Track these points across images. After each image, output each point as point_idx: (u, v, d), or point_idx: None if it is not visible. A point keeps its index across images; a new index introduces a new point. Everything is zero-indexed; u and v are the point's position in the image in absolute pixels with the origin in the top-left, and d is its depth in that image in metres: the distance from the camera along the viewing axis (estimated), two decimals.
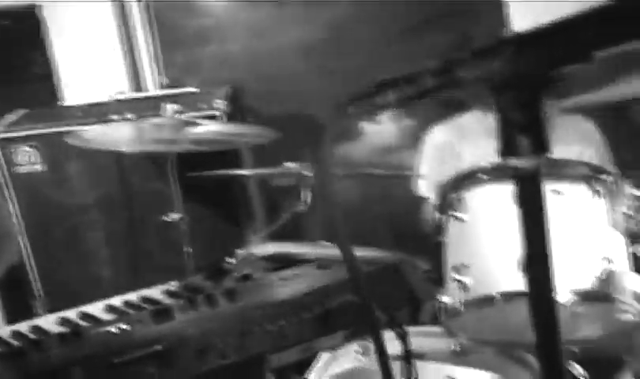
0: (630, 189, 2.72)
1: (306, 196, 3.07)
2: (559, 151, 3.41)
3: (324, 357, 2.87)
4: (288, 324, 1.96)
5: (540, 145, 0.95)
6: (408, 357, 2.29)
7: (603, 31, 0.83)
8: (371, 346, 2.72)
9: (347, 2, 4.52)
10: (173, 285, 2.38)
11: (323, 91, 4.22)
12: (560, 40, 0.85)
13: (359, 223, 4.22)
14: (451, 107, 3.62)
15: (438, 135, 3.76)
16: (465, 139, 3.65)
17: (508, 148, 0.95)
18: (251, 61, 4.47)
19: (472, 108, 3.71)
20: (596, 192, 2.61)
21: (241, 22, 4.54)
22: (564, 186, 2.61)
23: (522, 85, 0.89)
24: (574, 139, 3.60)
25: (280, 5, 4.52)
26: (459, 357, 2.77)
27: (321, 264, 2.30)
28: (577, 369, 2.93)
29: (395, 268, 2.25)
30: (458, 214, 2.68)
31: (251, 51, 4.48)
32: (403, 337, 2.23)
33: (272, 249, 3.10)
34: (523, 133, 0.93)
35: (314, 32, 4.50)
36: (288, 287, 2.10)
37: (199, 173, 3.38)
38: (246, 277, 2.29)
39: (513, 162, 0.99)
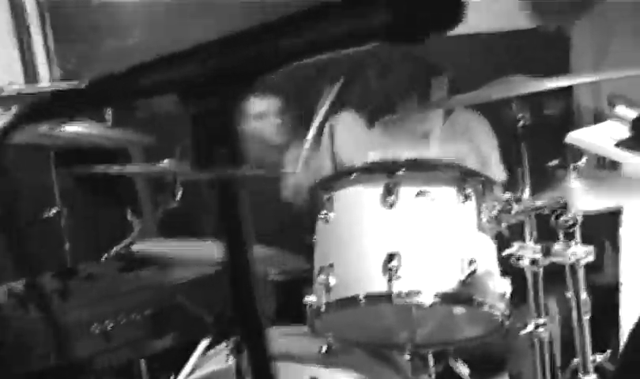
0: (499, 193, 2.72)
1: (178, 193, 3.03)
2: (454, 147, 3.47)
3: (193, 358, 2.83)
4: (116, 326, 1.92)
5: (234, 156, 0.85)
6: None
7: (296, 37, 0.83)
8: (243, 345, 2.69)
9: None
10: (18, 284, 2.32)
11: None
12: (253, 47, 0.83)
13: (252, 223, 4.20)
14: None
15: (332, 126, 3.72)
16: (344, 129, 3.64)
17: (201, 159, 0.85)
18: (149, 56, 4.38)
19: (354, 110, 3.70)
20: (466, 195, 2.61)
21: (140, 16, 4.48)
22: (434, 188, 2.60)
23: (213, 93, 0.84)
24: (468, 134, 3.61)
25: None
26: (326, 358, 2.74)
27: (162, 265, 2.26)
28: (461, 367, 2.94)
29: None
30: (326, 213, 2.66)
31: (149, 46, 4.42)
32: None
33: (140, 247, 3.07)
34: (216, 144, 0.84)
35: (213, 28, 4.45)
36: (124, 287, 2.05)
37: (82, 167, 3.32)
38: (89, 277, 2.24)
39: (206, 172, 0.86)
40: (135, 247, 3.04)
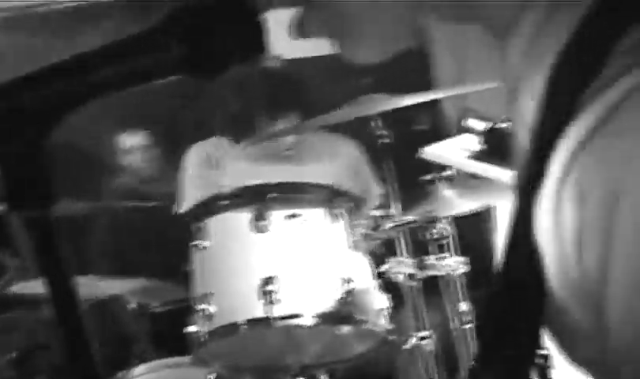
0: (368, 211, 2.76)
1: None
2: (318, 168, 3.49)
3: None
4: None
5: (47, 196, 0.82)
6: None
7: (101, 72, 0.83)
8: None
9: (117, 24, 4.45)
10: None
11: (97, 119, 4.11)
12: (57, 83, 0.83)
13: (122, 253, 4.17)
14: (205, 131, 3.60)
15: (197, 152, 3.65)
16: (223, 157, 3.61)
17: (13, 200, 0.82)
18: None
19: (218, 134, 3.68)
20: (335, 215, 2.64)
21: (13, 48, 4.39)
22: (304, 210, 2.62)
23: (19, 132, 0.81)
24: (339, 154, 3.62)
25: (55, 31, 4.39)
26: None
27: (30, 305, 2.22)
28: None
29: (102, 305, 2.19)
30: (199, 242, 2.65)
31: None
32: None
33: (19, 287, 3.01)
34: (29, 184, 0.82)
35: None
36: None
37: None
38: None
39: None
40: (14, 288, 2.98)
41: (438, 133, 4.35)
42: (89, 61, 0.83)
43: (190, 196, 3.46)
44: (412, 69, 4.37)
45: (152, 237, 3.57)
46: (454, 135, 4.20)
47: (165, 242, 3.52)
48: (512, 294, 0.74)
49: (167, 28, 0.83)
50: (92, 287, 3.26)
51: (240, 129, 3.49)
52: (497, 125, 2.28)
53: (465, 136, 2.40)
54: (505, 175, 2.25)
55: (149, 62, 0.83)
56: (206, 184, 3.48)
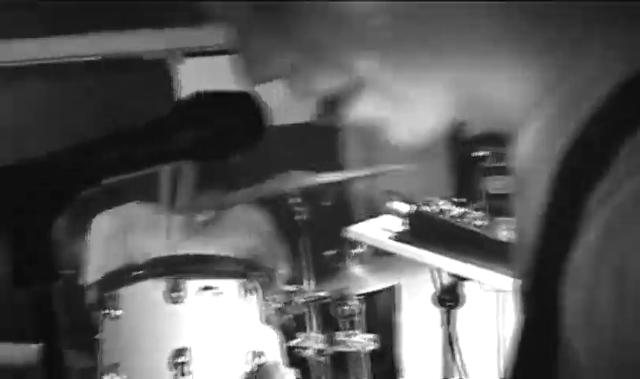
0: (282, 285, 2.80)
1: None
2: (237, 237, 3.50)
3: None
4: None
5: (50, 273, 0.86)
6: None
7: (107, 160, 0.86)
8: None
9: (31, 89, 4.43)
10: None
11: None
12: (67, 167, 0.86)
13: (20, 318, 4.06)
14: (115, 197, 3.57)
15: (104, 224, 3.64)
16: (132, 229, 3.58)
17: (18, 276, 0.85)
18: None
19: (135, 199, 3.66)
20: (248, 289, 2.66)
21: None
22: (218, 282, 2.64)
23: (28, 212, 0.84)
24: (245, 230, 3.64)
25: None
26: None
27: None
28: None
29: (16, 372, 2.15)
30: (111, 311, 2.63)
31: None
32: None
33: None
34: (33, 262, 0.85)
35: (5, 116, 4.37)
36: None
37: None
38: None
39: None
40: None
41: (344, 209, 4.44)
42: (99, 146, 0.86)
43: (97, 265, 3.42)
44: (325, 146, 4.47)
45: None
46: (362, 211, 4.31)
47: (69, 309, 3.46)
48: None
49: (175, 118, 0.87)
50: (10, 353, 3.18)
51: (165, 196, 3.48)
52: (420, 208, 2.35)
53: (387, 217, 2.47)
54: (426, 257, 2.32)
55: (157, 149, 0.87)
56: (116, 254, 3.45)
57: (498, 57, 0.71)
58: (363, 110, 0.76)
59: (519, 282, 0.73)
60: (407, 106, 0.74)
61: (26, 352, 3.07)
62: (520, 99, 0.72)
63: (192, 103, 0.88)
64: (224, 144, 0.88)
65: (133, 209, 3.61)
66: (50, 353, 0.88)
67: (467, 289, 2.64)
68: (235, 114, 0.88)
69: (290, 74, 0.76)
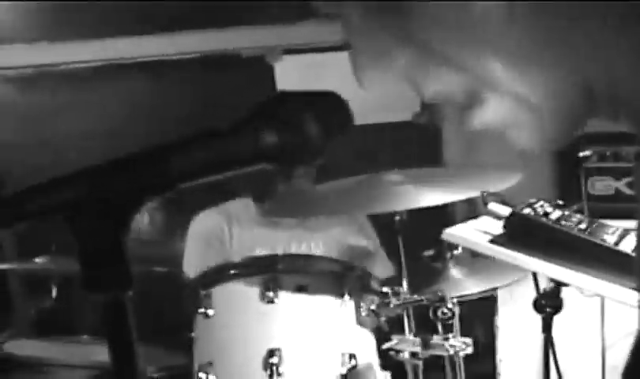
0: (377, 286, 2.75)
1: (54, 290, 2.97)
2: (335, 236, 3.49)
3: None
4: None
5: (124, 278, 0.85)
6: None
7: (185, 162, 0.84)
8: None
9: (134, 86, 4.48)
10: None
11: None
12: (142, 170, 0.84)
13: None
14: (219, 193, 3.60)
15: (205, 221, 3.69)
16: (234, 225, 3.62)
17: (91, 281, 0.85)
18: (27, 150, 4.32)
19: (240, 195, 3.70)
20: (344, 289, 2.63)
21: (13, 106, 4.40)
22: (313, 283, 2.62)
23: (100, 214, 0.83)
24: (349, 225, 3.64)
25: (58, 87, 4.41)
26: None
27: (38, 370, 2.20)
28: None
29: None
30: (205, 309, 2.64)
31: (27, 139, 4.35)
32: None
33: (19, 348, 2.98)
34: (105, 266, 0.84)
35: (98, 117, 4.42)
36: None
37: None
38: None
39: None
40: (7, 347, 2.95)
41: (444, 210, 4.37)
42: (176, 150, 0.84)
43: (195, 262, 3.45)
44: (424, 144, 4.40)
45: (148, 301, 3.54)
46: (460, 213, 4.24)
47: (162, 307, 3.50)
48: None
49: (260, 116, 0.84)
50: (86, 352, 3.23)
51: (261, 189, 3.50)
52: (518, 210, 2.28)
53: (485, 219, 2.40)
54: (525, 261, 2.24)
55: (238, 152, 0.84)
56: (212, 252, 3.48)
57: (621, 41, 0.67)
58: (489, 114, 0.73)
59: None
60: (534, 110, 0.71)
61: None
62: None
63: (275, 103, 0.85)
64: (308, 147, 0.84)
65: (237, 205, 3.65)
66: (122, 361, 0.87)
67: (567, 294, 2.56)
68: (320, 116, 0.84)
69: (404, 75, 0.73)
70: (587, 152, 3.79)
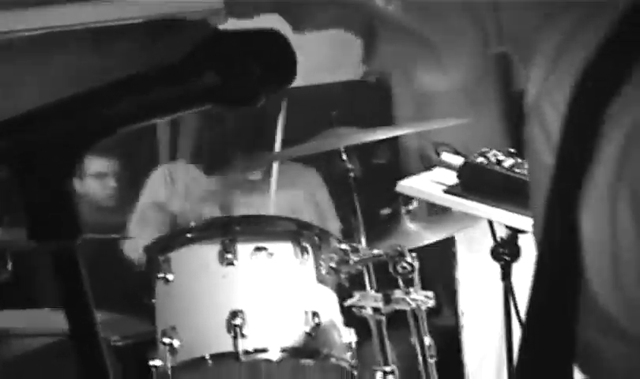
0: (336, 244, 2.75)
1: (9, 263, 2.94)
2: (288, 195, 3.50)
3: None
4: None
5: (71, 227, 0.82)
6: None
7: (128, 103, 0.83)
8: None
9: (76, 54, 4.42)
10: None
11: None
12: (84, 113, 0.82)
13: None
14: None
15: (154, 173, 3.70)
16: (180, 176, 3.64)
17: (37, 230, 0.82)
18: None
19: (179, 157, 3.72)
20: (303, 248, 2.63)
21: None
22: (271, 244, 2.61)
23: (45, 162, 0.81)
24: (301, 184, 3.66)
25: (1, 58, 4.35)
26: None
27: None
28: None
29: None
30: (164, 275, 2.62)
31: None
32: None
33: None
34: (52, 216, 0.82)
35: (35, 91, 4.36)
36: None
37: None
38: None
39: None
40: None
41: (397, 166, 4.40)
42: (114, 92, 0.82)
43: (150, 225, 3.45)
44: (374, 102, 4.41)
45: (109, 269, 3.52)
46: (416, 168, 4.25)
47: (124, 275, 3.48)
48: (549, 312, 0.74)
49: (199, 57, 0.82)
50: (47, 319, 3.20)
51: (212, 159, 3.50)
52: (471, 160, 2.29)
53: (438, 170, 2.42)
54: (480, 210, 2.26)
55: (179, 92, 0.82)
56: (166, 210, 3.49)
57: None
58: (390, 55, 0.76)
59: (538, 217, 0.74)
60: (433, 53, 0.75)
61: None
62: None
63: (214, 42, 0.82)
64: (249, 85, 0.82)
65: (185, 166, 3.65)
66: (76, 316, 0.85)
67: (525, 242, 2.59)
68: (261, 53, 0.82)
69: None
70: None
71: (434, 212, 3.46)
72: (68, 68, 4.38)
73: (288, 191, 3.60)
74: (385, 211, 3.48)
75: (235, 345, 2.45)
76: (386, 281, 2.81)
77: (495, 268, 2.67)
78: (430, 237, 2.98)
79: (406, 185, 2.46)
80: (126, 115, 0.82)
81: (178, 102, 0.83)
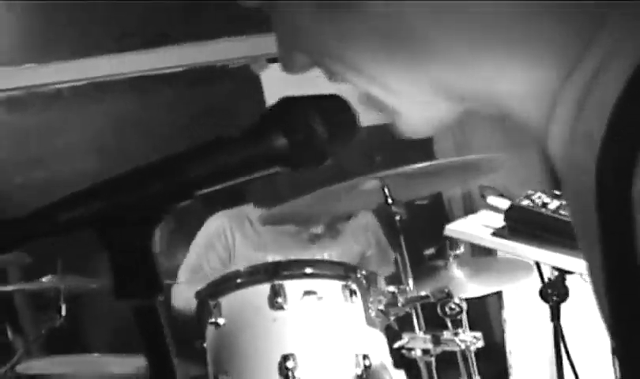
0: (384, 286, 2.78)
1: (63, 309, 3.00)
2: (342, 250, 3.52)
3: None
4: None
5: (153, 285, 0.88)
6: None
7: (201, 169, 0.87)
8: None
9: (121, 102, 4.53)
10: None
11: None
12: (162, 179, 0.87)
13: (127, 332, 4.16)
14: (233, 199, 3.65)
15: (212, 222, 3.75)
16: (239, 228, 3.68)
17: (120, 289, 0.87)
18: (17, 168, 4.37)
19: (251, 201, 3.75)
20: (351, 291, 2.65)
21: (3, 127, 4.45)
22: (320, 286, 2.64)
23: (127, 225, 0.85)
24: (357, 237, 3.70)
25: (46, 107, 4.46)
26: None
27: None
28: None
29: None
30: (215, 320, 2.65)
31: (17, 157, 4.39)
32: None
33: (32, 367, 3.01)
34: (134, 274, 0.86)
35: (86, 134, 4.46)
36: None
37: None
38: None
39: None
40: (19, 368, 2.98)
41: (440, 207, 4.42)
42: (191, 157, 0.87)
43: (195, 263, 3.51)
44: (416, 146, 4.44)
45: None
46: (458, 209, 4.27)
47: (175, 319, 3.52)
48: None
49: (268, 121, 0.87)
50: (96, 365, 3.25)
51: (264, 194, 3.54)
52: (517, 202, 2.31)
53: (484, 213, 2.44)
54: (528, 251, 2.28)
55: (250, 157, 0.87)
56: (213, 255, 3.53)
57: (512, 45, 0.70)
58: (375, 104, 0.78)
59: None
60: (408, 100, 0.76)
61: (132, 364, 3.14)
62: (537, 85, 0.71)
63: (282, 108, 0.87)
64: (316, 146, 0.87)
65: (243, 210, 3.69)
66: (159, 366, 0.89)
67: (572, 283, 2.60)
68: (327, 118, 0.87)
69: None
70: None
71: (478, 253, 3.48)
72: (109, 116, 4.49)
73: (350, 241, 3.66)
74: (429, 251, 3.49)
75: None
76: (435, 322, 2.83)
77: (542, 309, 2.68)
78: (476, 289, 2.99)
79: (454, 229, 2.49)
80: (202, 179, 0.87)
81: (249, 166, 0.88)
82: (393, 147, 4.43)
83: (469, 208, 4.02)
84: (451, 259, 3.04)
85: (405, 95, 0.76)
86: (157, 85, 4.55)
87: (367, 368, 2.54)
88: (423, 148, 4.49)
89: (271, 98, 4.51)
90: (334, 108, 0.87)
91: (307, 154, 0.87)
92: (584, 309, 3.02)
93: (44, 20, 4.34)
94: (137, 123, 4.54)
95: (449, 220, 3.79)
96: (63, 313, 2.99)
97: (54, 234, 0.85)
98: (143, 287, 0.86)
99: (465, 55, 0.71)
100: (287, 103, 0.87)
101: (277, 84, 4.49)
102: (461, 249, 3.05)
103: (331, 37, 0.73)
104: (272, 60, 4.52)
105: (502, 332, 3.53)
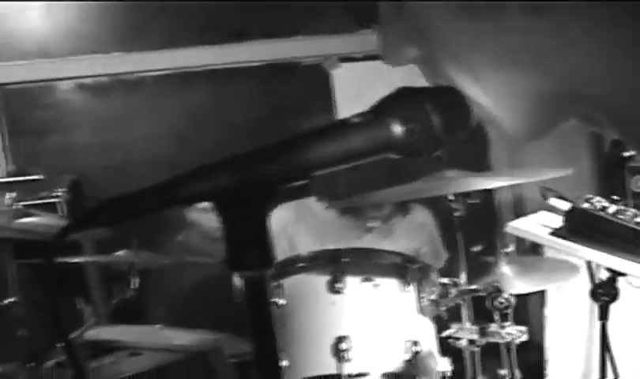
0: (436, 278, 2.91)
1: (134, 282, 3.15)
2: (412, 241, 3.62)
3: None
4: None
5: (265, 259, 0.92)
6: None
7: (320, 152, 0.90)
8: None
9: (199, 93, 4.69)
10: None
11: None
12: (283, 159, 0.90)
13: (191, 307, 4.33)
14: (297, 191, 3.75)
15: (277, 215, 3.81)
16: (302, 220, 3.81)
17: (235, 261, 0.91)
18: (99, 152, 4.54)
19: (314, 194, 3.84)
20: (406, 281, 2.79)
21: (88, 112, 4.62)
22: (377, 274, 2.78)
23: (246, 201, 0.89)
24: (413, 233, 3.81)
25: (129, 94, 4.63)
26: None
27: (134, 352, 2.33)
28: None
29: (202, 356, 2.30)
30: (276, 300, 2.80)
31: (99, 141, 4.56)
32: None
33: (100, 334, 3.17)
34: (249, 247, 0.90)
35: (165, 122, 4.63)
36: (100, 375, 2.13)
37: (34, 259, 3.41)
38: (59, 365, 2.31)
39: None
40: (88, 335, 3.12)
41: (490, 206, 4.52)
42: (309, 140, 0.90)
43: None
44: (473, 144, 4.55)
45: (215, 292, 3.70)
46: (507, 208, 4.36)
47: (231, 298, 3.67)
48: None
49: (386, 108, 0.90)
50: (159, 336, 3.42)
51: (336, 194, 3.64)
52: (578, 205, 2.42)
53: (543, 213, 2.55)
54: (584, 252, 2.38)
55: (367, 141, 0.89)
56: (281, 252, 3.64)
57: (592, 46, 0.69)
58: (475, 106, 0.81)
59: None
60: (507, 107, 0.77)
61: (192, 337, 3.29)
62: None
63: (400, 97, 0.89)
64: (430, 136, 0.89)
65: (312, 203, 3.80)
66: (261, 335, 0.94)
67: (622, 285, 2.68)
68: (443, 109, 0.88)
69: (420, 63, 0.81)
70: (631, 152, 3.93)
71: (524, 252, 3.58)
72: (187, 105, 4.66)
73: (406, 237, 3.74)
74: (476, 248, 3.59)
75: (340, 368, 2.61)
76: (482, 315, 2.95)
77: (582, 309, 2.77)
78: (522, 287, 3.09)
79: (515, 226, 2.59)
80: (317, 162, 0.90)
81: (365, 151, 0.90)
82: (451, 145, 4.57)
83: (520, 211, 4.13)
84: (502, 256, 3.14)
85: (507, 101, 0.78)
86: (234, 79, 4.71)
87: (415, 354, 2.68)
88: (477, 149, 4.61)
89: (341, 96, 4.67)
90: (450, 101, 0.86)
91: (421, 143, 0.89)
92: (627, 311, 3.15)
93: (132, 12, 4.53)
94: (213, 114, 4.71)
95: (497, 221, 3.93)
96: (134, 286, 3.13)
97: (173, 207, 0.89)
98: (256, 260, 0.91)
99: (583, 78, 0.72)
100: (405, 92, 0.89)
101: (347, 83, 4.65)
102: (511, 248, 3.17)
103: (462, 38, 0.75)
104: (343, 59, 4.68)
105: (542, 327, 3.63)
